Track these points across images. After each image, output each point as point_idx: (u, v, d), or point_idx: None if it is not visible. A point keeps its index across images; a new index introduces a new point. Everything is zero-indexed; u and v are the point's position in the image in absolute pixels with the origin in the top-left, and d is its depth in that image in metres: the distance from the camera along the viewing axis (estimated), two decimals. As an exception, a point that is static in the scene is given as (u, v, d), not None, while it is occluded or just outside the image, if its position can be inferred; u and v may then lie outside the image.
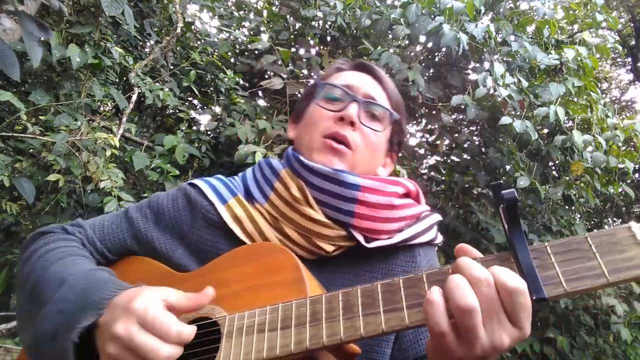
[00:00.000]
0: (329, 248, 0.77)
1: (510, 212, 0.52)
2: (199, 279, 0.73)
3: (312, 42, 3.61)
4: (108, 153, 2.25)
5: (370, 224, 0.78)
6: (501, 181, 3.37)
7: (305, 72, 3.21)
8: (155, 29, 3.44)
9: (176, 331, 0.56)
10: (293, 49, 3.41)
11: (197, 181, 0.88)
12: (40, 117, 2.46)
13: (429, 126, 3.99)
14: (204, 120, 3.36)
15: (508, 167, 3.34)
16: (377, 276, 0.80)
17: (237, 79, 3.19)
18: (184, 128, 2.93)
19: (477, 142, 3.55)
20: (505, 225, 0.53)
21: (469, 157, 3.45)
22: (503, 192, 0.51)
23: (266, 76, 3.38)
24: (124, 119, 2.60)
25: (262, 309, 0.61)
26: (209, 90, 3.50)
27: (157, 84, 2.85)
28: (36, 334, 0.63)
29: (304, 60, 3.23)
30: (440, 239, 0.89)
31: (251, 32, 3.71)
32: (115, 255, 0.84)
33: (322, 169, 0.79)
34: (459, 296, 0.48)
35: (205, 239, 0.81)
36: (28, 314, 0.68)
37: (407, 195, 0.85)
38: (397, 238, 0.80)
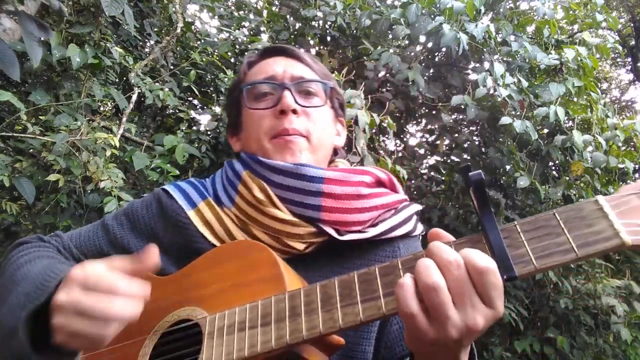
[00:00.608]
0: (300, 246, 0.75)
1: (479, 193, 0.52)
2: (179, 281, 0.73)
3: (312, 42, 3.61)
4: (108, 153, 2.25)
5: (339, 216, 0.75)
6: (504, 186, 3.37)
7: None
8: (155, 29, 3.43)
9: (124, 283, 0.55)
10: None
11: (168, 186, 0.88)
12: (40, 117, 2.46)
13: (429, 126, 3.99)
14: (204, 120, 3.37)
15: (508, 167, 3.34)
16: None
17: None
18: (184, 128, 2.93)
19: (477, 142, 3.55)
20: (477, 208, 0.53)
21: (469, 157, 3.45)
22: (470, 173, 0.51)
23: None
24: (124, 119, 2.60)
25: (242, 307, 0.61)
26: (209, 90, 3.50)
27: (157, 84, 2.85)
28: (1, 334, 0.63)
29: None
30: (420, 229, 0.86)
31: (251, 32, 3.71)
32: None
33: (282, 165, 0.77)
34: (425, 275, 0.49)
35: (180, 244, 0.81)
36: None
37: (379, 184, 0.82)
38: (373, 232, 0.77)
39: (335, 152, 0.94)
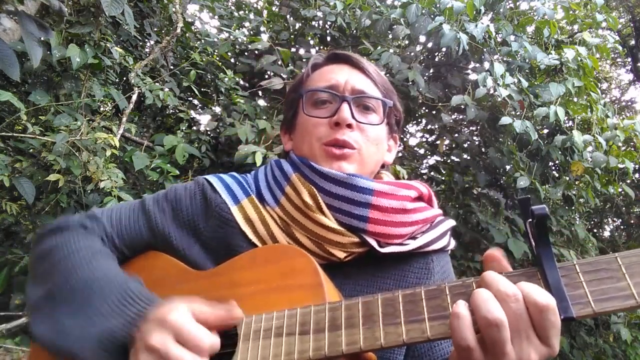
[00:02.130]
0: (341, 255, 0.75)
1: (540, 228, 0.51)
2: (216, 278, 0.72)
3: (312, 42, 3.61)
4: (108, 153, 2.25)
5: (383, 228, 0.76)
6: (504, 186, 3.37)
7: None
8: (155, 29, 3.44)
9: (209, 344, 0.57)
10: (293, 49, 3.41)
11: (212, 178, 0.86)
12: (40, 117, 2.46)
13: (429, 126, 3.99)
14: (204, 120, 3.37)
15: (508, 167, 3.34)
16: (390, 283, 0.79)
17: (237, 79, 3.19)
18: (184, 128, 2.93)
19: (477, 142, 3.55)
20: (533, 241, 0.52)
21: (469, 157, 3.45)
22: (533, 207, 0.50)
23: (266, 76, 3.38)
24: (124, 119, 2.60)
25: (280, 312, 0.60)
26: (209, 90, 3.50)
27: (157, 84, 2.85)
28: (64, 339, 0.63)
29: (304, 60, 3.23)
30: (453, 244, 0.87)
31: (251, 32, 3.71)
32: (132, 252, 0.83)
33: (335, 173, 0.77)
34: (486, 310, 0.47)
35: (219, 237, 0.80)
36: (50, 314, 0.66)
37: (419, 198, 0.83)
38: (411, 245, 0.78)
39: (383, 166, 0.93)
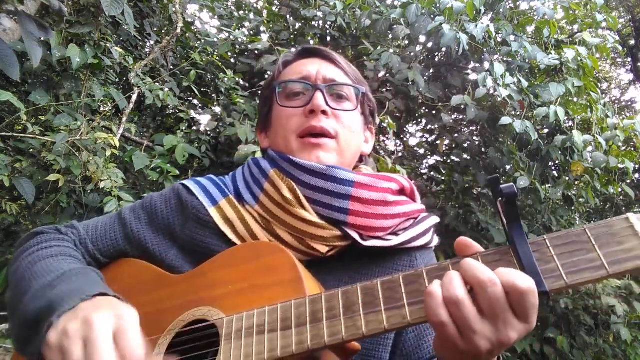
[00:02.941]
0: (323, 249, 0.75)
1: (510, 206, 0.52)
2: (194, 280, 0.71)
3: (312, 42, 3.61)
4: (108, 153, 2.24)
5: (364, 220, 0.75)
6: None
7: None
8: (155, 29, 3.43)
9: (140, 355, 0.52)
10: (293, 49, 3.41)
11: (188, 182, 0.87)
12: (40, 117, 2.46)
13: (429, 126, 3.99)
14: (204, 120, 3.37)
15: (508, 167, 3.33)
16: (373, 279, 0.78)
17: (237, 79, 3.19)
18: (184, 128, 2.93)
19: (477, 142, 3.54)
20: (504, 220, 0.53)
21: (469, 157, 3.45)
22: (502, 186, 0.51)
23: (266, 76, 3.38)
24: (124, 119, 2.60)
25: (261, 309, 0.60)
26: (209, 90, 3.50)
27: (157, 84, 2.85)
28: (21, 322, 0.62)
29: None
30: (436, 241, 0.87)
31: (251, 32, 3.71)
32: (106, 258, 0.83)
33: (314, 165, 0.77)
34: (447, 288, 0.49)
35: (198, 240, 0.79)
36: (14, 307, 0.67)
37: (401, 192, 0.82)
38: (394, 241, 0.78)
39: (361, 158, 0.93)
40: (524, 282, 0.48)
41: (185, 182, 0.87)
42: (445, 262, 0.55)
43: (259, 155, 2.40)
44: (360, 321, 0.54)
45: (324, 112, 0.81)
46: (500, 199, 0.52)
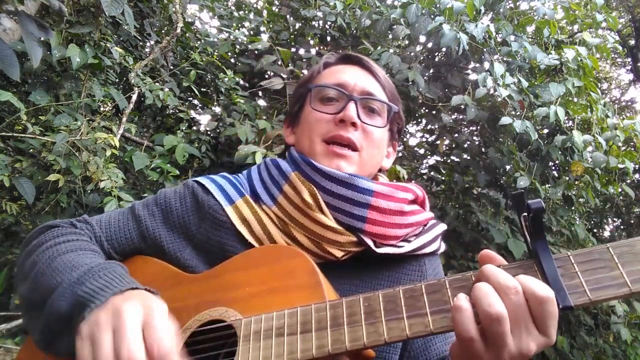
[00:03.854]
0: (339, 254, 0.76)
1: (536, 221, 0.52)
2: (210, 280, 0.71)
3: (312, 42, 3.61)
4: (108, 153, 2.24)
5: (380, 229, 0.77)
6: (504, 186, 3.37)
7: (305, 72, 3.21)
8: (155, 29, 3.43)
9: (169, 347, 0.51)
10: (293, 49, 3.41)
11: (203, 180, 0.86)
12: (40, 117, 2.46)
13: (429, 126, 3.99)
14: (204, 120, 3.37)
15: (508, 167, 3.33)
16: (384, 284, 0.80)
17: (237, 79, 3.19)
18: (184, 128, 2.93)
19: (477, 142, 3.54)
20: (527, 235, 0.53)
21: (469, 157, 3.45)
22: (530, 202, 0.51)
23: (266, 76, 3.38)
24: (124, 119, 2.60)
25: (280, 312, 0.59)
26: (209, 90, 3.50)
27: (157, 84, 2.85)
28: (49, 318, 0.61)
29: (304, 60, 3.23)
30: (443, 248, 0.89)
31: (251, 32, 3.71)
32: (121, 255, 0.82)
33: (337, 173, 0.77)
34: (488, 304, 0.48)
35: (213, 240, 0.79)
36: (35, 304, 0.65)
37: (414, 201, 0.84)
38: (405, 248, 0.79)
39: (380, 170, 0.94)
40: (543, 290, 0.49)
41: (200, 179, 0.86)
42: (467, 274, 0.55)
43: (258, 156, 2.40)
44: (382, 327, 0.54)
45: (353, 124, 0.82)
46: (524, 214, 0.52)
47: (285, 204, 0.79)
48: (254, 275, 0.67)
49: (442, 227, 0.88)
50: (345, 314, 0.56)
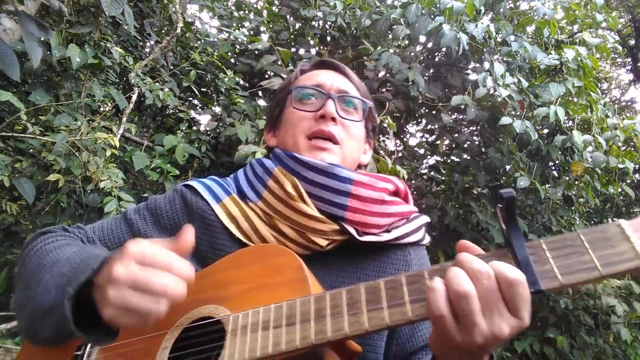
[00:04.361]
0: (323, 242, 0.78)
1: (509, 210, 0.54)
2: (202, 279, 0.73)
3: (312, 42, 3.61)
4: (108, 153, 2.25)
5: (361, 217, 0.79)
6: (501, 182, 3.37)
7: (305, 72, 3.20)
8: (155, 29, 3.44)
9: (178, 261, 0.55)
10: (293, 49, 3.41)
11: (192, 182, 0.90)
12: (40, 117, 2.46)
13: (429, 126, 4.00)
14: (204, 120, 3.37)
15: (508, 167, 3.34)
16: (370, 273, 0.82)
17: (237, 79, 3.19)
18: (184, 128, 2.93)
19: (477, 142, 3.55)
20: (503, 224, 0.55)
21: (469, 157, 3.45)
22: (502, 191, 0.54)
23: (266, 76, 3.38)
24: (124, 119, 2.60)
25: (266, 307, 0.62)
26: (209, 90, 3.50)
27: (157, 84, 2.85)
28: (34, 312, 0.62)
29: (304, 60, 3.23)
30: (427, 239, 0.92)
31: (251, 32, 3.71)
32: None
33: (317, 163, 0.81)
34: (457, 283, 0.51)
35: (203, 240, 0.82)
36: (25, 301, 0.66)
37: (395, 193, 0.87)
38: (388, 236, 0.82)
39: (359, 166, 0.98)
40: (513, 273, 0.51)
41: (188, 182, 0.90)
42: (447, 264, 0.57)
43: (258, 156, 2.40)
44: (364, 317, 0.56)
45: (333, 119, 0.87)
46: (499, 203, 0.55)
47: (270, 198, 0.82)
48: (243, 273, 0.70)
49: (425, 218, 0.91)
50: (329, 306, 0.59)
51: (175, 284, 0.54)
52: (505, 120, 2.74)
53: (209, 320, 0.66)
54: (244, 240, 0.80)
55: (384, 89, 3.36)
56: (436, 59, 3.67)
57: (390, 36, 3.40)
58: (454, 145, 3.71)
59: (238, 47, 3.59)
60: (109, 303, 0.53)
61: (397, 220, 0.85)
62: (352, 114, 0.92)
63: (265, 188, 0.83)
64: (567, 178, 3.21)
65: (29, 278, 0.68)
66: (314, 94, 0.90)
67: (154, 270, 0.54)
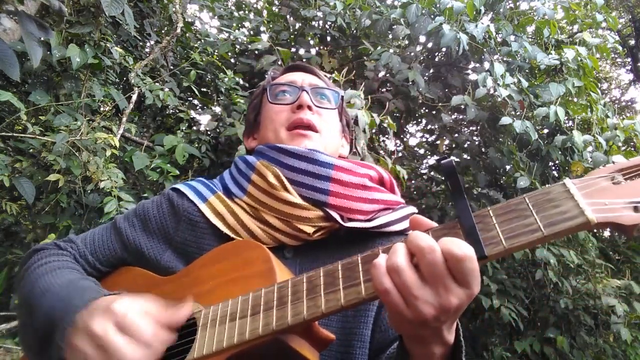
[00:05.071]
0: (309, 230, 0.79)
1: (452, 180, 0.55)
2: (180, 279, 0.76)
3: (312, 42, 3.61)
4: (108, 153, 2.25)
5: (344, 202, 0.81)
6: (504, 186, 3.37)
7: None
8: (155, 29, 3.43)
9: (154, 336, 0.57)
10: (293, 49, 3.41)
11: (178, 185, 0.92)
12: (40, 117, 2.46)
13: (429, 126, 4.00)
14: (204, 120, 3.37)
15: (508, 167, 3.34)
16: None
17: (237, 79, 3.19)
18: (184, 128, 2.93)
19: (477, 142, 3.55)
20: (450, 194, 0.56)
21: (469, 157, 3.45)
22: (442, 161, 0.55)
23: (266, 76, 3.38)
24: (124, 119, 2.60)
25: (235, 299, 0.64)
26: (209, 90, 3.50)
27: (157, 84, 2.85)
28: (30, 347, 0.67)
29: (304, 60, 3.23)
30: None
31: (251, 32, 3.71)
32: (107, 267, 0.88)
33: (297, 149, 0.84)
34: (391, 258, 0.53)
35: (190, 241, 0.84)
36: (24, 328, 0.72)
37: (380, 182, 0.89)
38: (373, 223, 0.83)
39: (340, 158, 1.00)
40: (461, 248, 0.51)
41: (176, 186, 0.93)
42: (399, 240, 0.58)
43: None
44: (321, 300, 0.58)
45: (309, 108, 0.91)
46: (443, 176, 0.55)
47: (254, 192, 0.84)
48: (217, 269, 0.72)
49: (412, 208, 0.91)
50: (290, 293, 0.60)
51: (134, 355, 0.56)
52: (505, 120, 2.74)
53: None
54: (232, 235, 0.81)
55: (384, 89, 3.36)
56: (436, 59, 3.67)
57: (390, 36, 3.40)
58: (454, 145, 3.71)
59: (238, 47, 3.59)
60: (73, 349, 0.58)
61: (382, 208, 0.85)
62: (325, 103, 0.96)
63: (249, 182, 0.85)
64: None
65: (24, 306, 0.73)
66: (288, 90, 0.95)
67: (127, 338, 0.56)
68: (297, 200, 0.80)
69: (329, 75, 1.05)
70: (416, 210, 0.92)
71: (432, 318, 0.52)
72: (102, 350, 0.56)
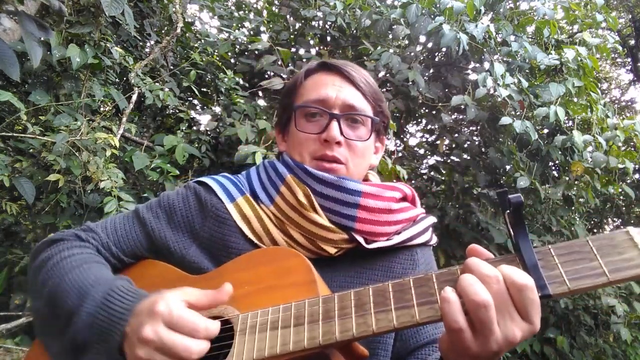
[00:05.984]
0: (332, 250, 0.80)
1: (516, 215, 0.54)
2: (213, 280, 0.75)
3: (312, 42, 3.61)
4: (108, 153, 2.24)
5: (370, 227, 0.81)
6: (504, 186, 3.37)
7: (305, 72, 3.20)
8: (155, 29, 3.43)
9: (204, 326, 0.59)
10: (293, 49, 3.41)
11: (206, 179, 0.90)
12: (40, 117, 2.46)
13: (429, 126, 3.99)
14: (204, 120, 3.37)
15: (508, 167, 3.33)
16: (378, 274, 0.84)
17: (237, 79, 3.19)
18: (184, 128, 2.93)
19: (477, 142, 3.54)
20: (511, 229, 0.56)
21: (469, 157, 3.45)
22: (510, 196, 0.54)
23: (266, 76, 3.38)
24: (124, 119, 2.60)
25: (275, 307, 0.63)
26: (209, 90, 3.50)
27: (157, 84, 2.85)
28: (67, 346, 0.66)
29: (304, 60, 3.23)
30: (434, 240, 0.93)
31: (251, 32, 3.71)
32: (130, 258, 0.85)
33: (326, 176, 0.82)
34: (473, 292, 0.50)
35: (216, 237, 0.83)
36: (51, 324, 0.70)
37: (403, 199, 0.88)
38: (395, 240, 0.84)
39: (370, 168, 0.98)
40: (522, 277, 0.51)
41: (202, 179, 0.90)
42: (454, 268, 0.57)
43: (258, 156, 2.40)
44: (371, 319, 0.57)
45: (337, 143, 0.85)
46: (507, 209, 0.55)
47: (282, 204, 0.83)
48: (253, 274, 0.71)
49: (432, 219, 0.92)
50: (337, 307, 0.59)
51: (197, 347, 0.58)
52: (505, 120, 2.74)
53: (219, 320, 0.66)
54: (256, 241, 0.81)
55: (384, 89, 3.36)
56: (436, 59, 3.67)
57: (390, 36, 3.40)
58: (454, 145, 3.71)
59: (238, 47, 3.59)
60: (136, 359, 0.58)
61: (404, 225, 0.86)
62: (358, 129, 0.88)
63: (278, 193, 0.84)
64: (567, 178, 3.21)
65: (50, 301, 0.70)
66: (318, 112, 0.87)
67: (181, 335, 0.58)
68: (325, 222, 0.80)
69: (365, 78, 0.92)
70: (435, 220, 0.93)
71: (495, 352, 0.51)
72: (163, 352, 0.57)
